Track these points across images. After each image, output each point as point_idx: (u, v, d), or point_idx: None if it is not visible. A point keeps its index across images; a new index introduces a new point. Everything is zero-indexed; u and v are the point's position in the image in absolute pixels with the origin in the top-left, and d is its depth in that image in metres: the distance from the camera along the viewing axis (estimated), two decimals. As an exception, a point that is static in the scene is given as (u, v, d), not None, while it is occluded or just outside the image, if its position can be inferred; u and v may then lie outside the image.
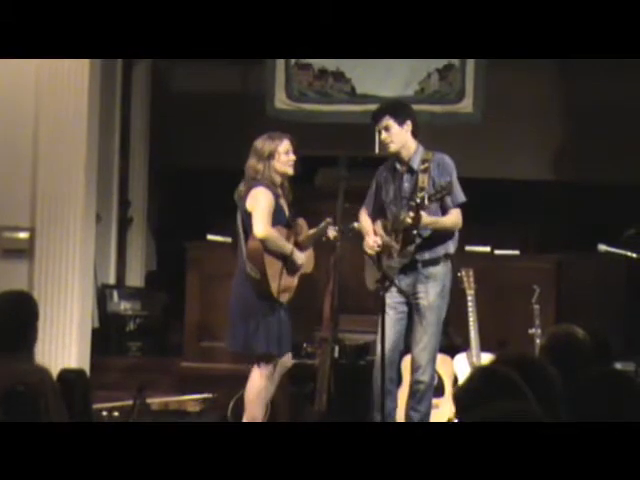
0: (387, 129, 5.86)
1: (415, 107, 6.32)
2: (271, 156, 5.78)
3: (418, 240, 5.74)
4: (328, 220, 5.91)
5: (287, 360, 6.04)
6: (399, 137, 5.84)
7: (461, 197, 5.82)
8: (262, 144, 5.81)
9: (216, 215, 8.59)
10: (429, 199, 5.52)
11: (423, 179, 5.76)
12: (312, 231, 6.00)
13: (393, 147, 5.88)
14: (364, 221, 6.03)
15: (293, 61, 8.30)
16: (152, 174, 9.40)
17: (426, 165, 5.80)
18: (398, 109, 5.94)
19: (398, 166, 5.90)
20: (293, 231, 5.91)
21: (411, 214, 5.56)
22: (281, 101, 8.33)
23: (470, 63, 8.10)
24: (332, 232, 5.94)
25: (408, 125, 5.85)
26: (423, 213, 5.56)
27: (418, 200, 5.54)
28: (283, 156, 5.80)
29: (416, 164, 5.83)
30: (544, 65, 8.73)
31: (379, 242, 5.83)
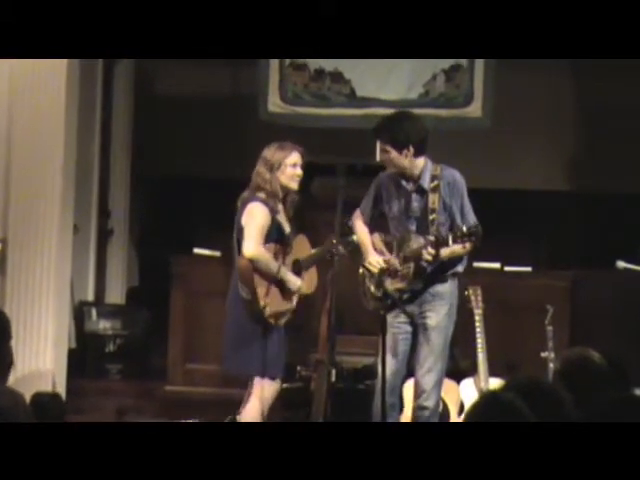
0: (384, 151, 5.81)
1: (419, 111, 6.30)
2: (277, 167, 5.78)
3: (430, 269, 5.72)
4: (333, 241, 5.81)
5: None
6: (396, 162, 5.76)
7: (473, 220, 5.80)
8: (271, 153, 5.81)
9: (203, 227, 8.61)
10: (454, 240, 5.50)
11: (434, 199, 5.72)
12: (314, 251, 5.96)
13: (390, 169, 5.86)
14: (361, 232, 5.97)
15: (288, 61, 8.30)
16: (134, 182, 9.40)
17: (436, 183, 5.74)
18: (398, 137, 5.73)
19: (404, 183, 5.82)
20: (285, 249, 5.85)
21: (431, 250, 5.56)
22: (275, 104, 8.34)
23: (479, 63, 8.09)
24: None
25: (409, 151, 5.72)
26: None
27: (440, 238, 5.53)
28: (289, 169, 5.79)
29: (426, 183, 5.77)
30: (556, 66, 8.76)
31: (381, 262, 5.82)
